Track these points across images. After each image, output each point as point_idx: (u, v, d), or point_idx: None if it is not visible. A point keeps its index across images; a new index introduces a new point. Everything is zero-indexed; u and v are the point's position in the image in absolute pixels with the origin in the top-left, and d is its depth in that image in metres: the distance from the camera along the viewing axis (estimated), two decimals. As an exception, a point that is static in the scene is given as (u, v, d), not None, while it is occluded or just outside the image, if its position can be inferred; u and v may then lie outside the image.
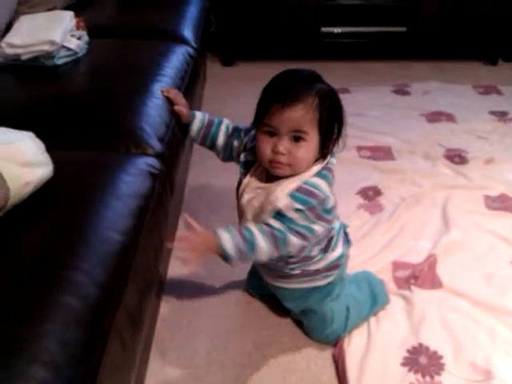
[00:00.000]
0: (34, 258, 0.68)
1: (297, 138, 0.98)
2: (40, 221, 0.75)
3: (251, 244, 0.95)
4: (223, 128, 1.17)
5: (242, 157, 1.11)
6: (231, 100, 2.26)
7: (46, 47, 1.22)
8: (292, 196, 0.97)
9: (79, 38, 1.31)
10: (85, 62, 1.28)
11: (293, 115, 0.96)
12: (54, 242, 0.71)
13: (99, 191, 0.82)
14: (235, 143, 1.15)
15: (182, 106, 1.19)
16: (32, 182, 0.73)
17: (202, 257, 0.93)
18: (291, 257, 1.06)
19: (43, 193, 0.76)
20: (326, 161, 1.02)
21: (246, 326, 1.24)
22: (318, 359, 1.17)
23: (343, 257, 1.12)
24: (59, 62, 1.24)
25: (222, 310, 1.28)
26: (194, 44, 1.54)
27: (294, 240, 0.97)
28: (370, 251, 1.44)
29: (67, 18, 1.28)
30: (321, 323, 1.18)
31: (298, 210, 0.96)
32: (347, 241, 1.17)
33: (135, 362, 0.79)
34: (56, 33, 1.22)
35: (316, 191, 0.97)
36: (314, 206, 0.96)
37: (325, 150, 1.02)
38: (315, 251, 1.07)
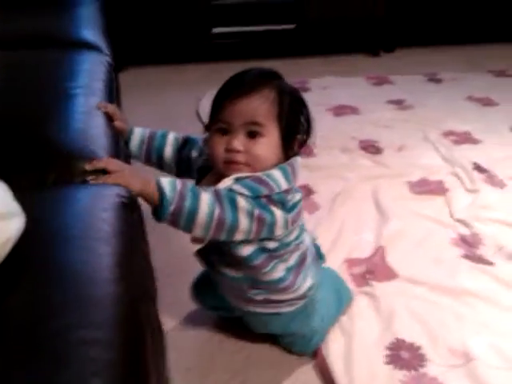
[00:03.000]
0: (29, 339, 0.53)
1: (253, 134, 0.89)
2: (20, 287, 0.59)
3: (194, 193, 0.82)
4: (171, 139, 1.04)
5: (200, 162, 1.00)
6: (128, 110, 2.10)
7: None
8: (237, 179, 0.86)
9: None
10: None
11: (246, 106, 0.88)
12: (45, 310, 0.56)
13: (78, 237, 0.67)
14: (193, 153, 1.03)
15: (122, 122, 1.05)
16: (10, 239, 0.56)
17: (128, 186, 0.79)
18: (256, 282, 0.96)
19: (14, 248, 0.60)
20: (289, 160, 0.93)
21: (215, 353, 1.14)
22: (301, 373, 1.10)
23: (312, 289, 1.04)
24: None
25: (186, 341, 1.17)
26: (105, 50, 1.38)
27: (243, 203, 0.84)
28: (319, 252, 1.41)
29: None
30: (301, 340, 1.11)
31: (242, 196, 0.84)
32: (320, 256, 1.11)
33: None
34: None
35: (267, 179, 0.87)
36: (264, 195, 0.86)
37: (289, 151, 0.93)
38: (280, 270, 0.96)
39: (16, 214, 0.59)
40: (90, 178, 0.80)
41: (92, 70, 1.19)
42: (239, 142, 0.88)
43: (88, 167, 0.81)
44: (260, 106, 0.89)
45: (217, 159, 0.91)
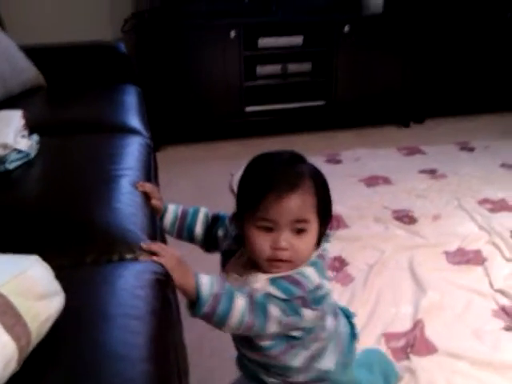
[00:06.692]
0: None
1: (299, 230, 0.87)
2: (57, 365, 0.61)
3: (229, 298, 0.83)
4: (201, 217, 1.07)
5: (225, 245, 1.03)
6: (167, 185, 2.18)
7: (-1, 151, 1.09)
8: (273, 281, 0.86)
9: (29, 138, 1.19)
10: (38, 163, 1.15)
11: (293, 204, 0.85)
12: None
13: (114, 315, 0.70)
14: (220, 233, 1.06)
15: (157, 200, 1.10)
16: (50, 317, 0.59)
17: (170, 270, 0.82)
18: (270, 366, 0.94)
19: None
20: (320, 247, 0.92)
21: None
22: None
23: (333, 371, 0.99)
24: (11, 166, 1.11)
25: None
26: (145, 133, 1.47)
27: (275, 312, 0.84)
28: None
29: (16, 118, 1.16)
30: None
31: (277, 299, 0.85)
32: (353, 334, 1.09)
33: None
34: (8, 134, 1.09)
35: (301, 279, 0.86)
36: (298, 296, 0.85)
37: (320, 236, 0.91)
38: (301, 359, 0.94)
39: (57, 293, 0.63)
40: (142, 256, 0.84)
41: (132, 152, 1.27)
42: (286, 240, 0.87)
43: (144, 247, 0.86)
44: (304, 203, 0.87)
45: (261, 256, 0.89)
